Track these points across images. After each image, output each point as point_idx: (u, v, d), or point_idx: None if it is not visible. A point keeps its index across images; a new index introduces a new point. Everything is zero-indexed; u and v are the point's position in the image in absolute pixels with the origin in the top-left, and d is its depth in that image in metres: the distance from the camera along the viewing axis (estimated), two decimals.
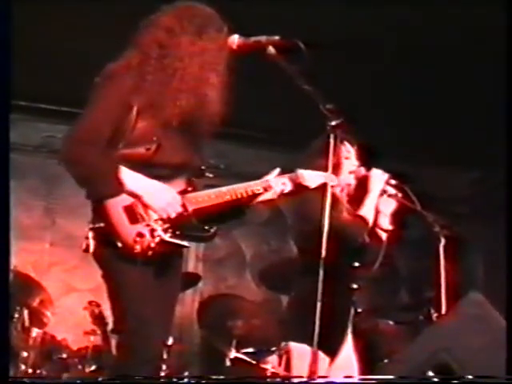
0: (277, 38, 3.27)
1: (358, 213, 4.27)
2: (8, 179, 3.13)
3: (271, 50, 3.26)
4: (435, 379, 3.08)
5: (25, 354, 5.71)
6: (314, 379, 2.99)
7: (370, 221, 4.26)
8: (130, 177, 3.35)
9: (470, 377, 2.98)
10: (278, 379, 4.39)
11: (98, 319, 5.95)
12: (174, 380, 4.13)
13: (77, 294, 7.38)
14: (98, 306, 5.91)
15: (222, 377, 4.05)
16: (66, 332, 6.49)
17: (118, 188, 3.32)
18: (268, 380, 4.46)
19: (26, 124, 7.52)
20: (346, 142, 4.34)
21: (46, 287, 6.27)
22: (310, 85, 3.13)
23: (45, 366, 5.81)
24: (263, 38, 3.30)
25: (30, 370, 5.64)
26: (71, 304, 7.14)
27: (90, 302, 6.04)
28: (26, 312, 5.89)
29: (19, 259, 6.45)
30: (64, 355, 5.94)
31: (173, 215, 3.39)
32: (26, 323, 5.88)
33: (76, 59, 6.13)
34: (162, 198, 3.38)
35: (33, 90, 6.86)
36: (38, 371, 5.70)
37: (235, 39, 3.39)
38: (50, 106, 7.36)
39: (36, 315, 6.03)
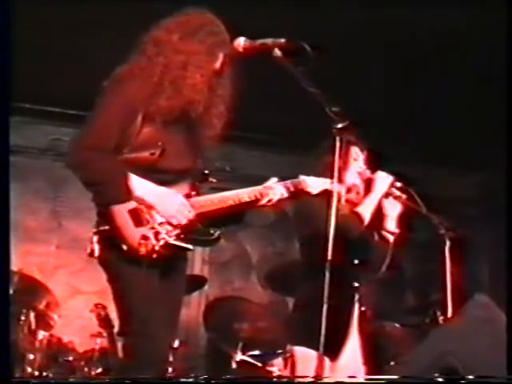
0: (283, 40, 3.27)
1: (354, 210, 4.28)
2: (8, 181, 3.12)
3: (277, 52, 3.26)
4: (435, 379, 3.08)
5: (31, 356, 5.72)
6: (320, 379, 2.99)
7: (366, 219, 4.26)
8: (139, 184, 3.36)
9: (471, 377, 2.98)
10: (283, 380, 4.39)
11: (104, 322, 5.95)
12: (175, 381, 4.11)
13: (83, 296, 7.38)
14: (104, 308, 5.91)
15: (225, 377, 4.05)
16: (73, 334, 6.49)
17: (128, 195, 3.33)
18: (273, 380, 4.46)
19: (32, 127, 7.53)
20: (354, 146, 4.35)
21: (52, 290, 6.28)
22: (316, 87, 3.13)
23: (51, 369, 5.81)
24: (269, 41, 3.30)
25: (37, 373, 5.64)
26: (77, 306, 7.14)
27: (96, 305, 6.04)
28: (32, 315, 5.89)
29: (25, 262, 6.47)
30: (70, 358, 5.95)
31: (183, 222, 3.40)
32: (33, 326, 5.88)
33: (83, 62, 6.14)
34: (171, 205, 3.40)
35: (39, 92, 6.88)
36: (45, 373, 5.71)
37: (241, 42, 3.39)
38: (56, 109, 7.37)
39: (42, 318, 6.04)
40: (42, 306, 6.08)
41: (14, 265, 5.64)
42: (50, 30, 6.00)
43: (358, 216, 4.24)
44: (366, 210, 4.28)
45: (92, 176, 3.36)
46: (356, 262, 4.23)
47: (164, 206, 3.38)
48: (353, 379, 3.60)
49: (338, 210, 3.91)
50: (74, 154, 3.42)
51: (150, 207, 3.36)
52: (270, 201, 3.62)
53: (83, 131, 3.44)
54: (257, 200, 3.60)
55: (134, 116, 3.39)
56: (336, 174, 3.16)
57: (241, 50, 3.39)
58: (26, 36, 5.22)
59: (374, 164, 4.46)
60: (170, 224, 3.39)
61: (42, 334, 5.87)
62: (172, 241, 3.40)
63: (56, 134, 7.46)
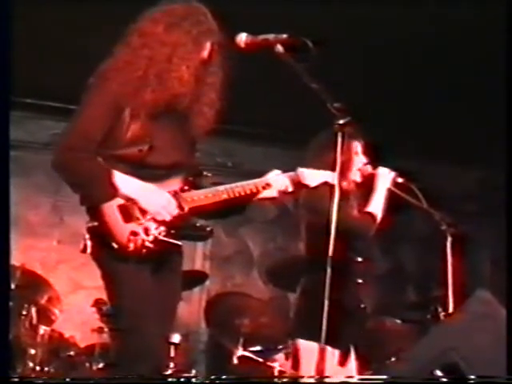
0: (285, 36, 3.26)
1: (366, 209, 4.29)
2: (8, 176, 3.12)
3: (279, 48, 3.24)
4: (434, 379, 3.08)
5: (32, 351, 5.72)
6: (323, 379, 2.99)
7: (379, 217, 4.28)
8: (123, 181, 3.33)
9: (471, 377, 2.97)
10: (285, 380, 4.40)
11: (106, 316, 5.95)
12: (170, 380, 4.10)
13: (84, 291, 7.38)
14: (106, 303, 5.90)
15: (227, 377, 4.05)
16: (74, 329, 6.50)
17: (112, 193, 3.31)
18: (275, 380, 4.47)
19: (34, 122, 7.56)
20: (355, 140, 4.35)
21: (54, 284, 6.28)
22: (318, 83, 3.13)
23: (52, 364, 5.81)
24: (271, 37, 3.29)
25: (38, 368, 5.65)
26: (79, 301, 7.14)
27: (98, 300, 6.03)
28: (33, 309, 5.89)
29: (27, 256, 6.48)
30: (72, 353, 5.95)
31: (167, 218, 3.37)
32: (34, 320, 5.89)
33: (84, 57, 6.12)
34: (156, 201, 3.37)
35: (40, 87, 6.89)
36: (46, 369, 5.71)
37: (243, 37, 3.37)
38: (57, 104, 7.36)
39: (44, 312, 6.04)
40: (43, 301, 6.08)
41: (16, 260, 5.65)
42: (51, 25, 6.00)
43: (371, 215, 4.25)
44: (377, 209, 4.30)
45: (75, 177, 3.35)
46: (360, 259, 4.24)
47: (149, 202, 3.35)
48: (355, 379, 3.60)
49: (350, 207, 3.94)
50: (57, 155, 3.40)
51: (135, 203, 3.34)
52: (268, 193, 3.59)
53: (65, 131, 3.43)
54: (252, 194, 3.57)
55: (120, 112, 3.36)
56: (338, 169, 3.16)
57: (243, 45, 3.36)
58: (27, 31, 5.23)
59: (375, 159, 4.46)
60: (156, 220, 3.37)
61: (43, 329, 5.87)
62: (161, 237, 3.37)
63: (57, 129, 7.44)
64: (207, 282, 7.12)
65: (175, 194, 3.45)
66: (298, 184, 3.64)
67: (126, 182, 3.34)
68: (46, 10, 5.73)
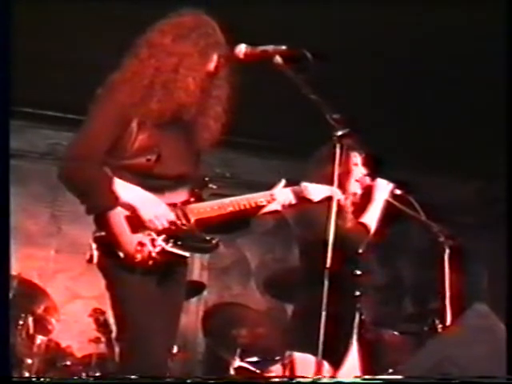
0: (284, 47, 3.27)
1: (359, 220, 4.27)
2: (8, 186, 3.12)
3: (278, 59, 3.26)
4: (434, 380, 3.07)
5: (29, 361, 5.71)
6: (319, 379, 2.98)
7: (372, 229, 4.26)
8: (123, 188, 3.34)
9: (470, 377, 2.97)
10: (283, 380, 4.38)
11: (103, 327, 5.95)
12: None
13: (81, 301, 7.38)
14: (103, 313, 5.91)
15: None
16: (71, 339, 6.50)
17: (113, 201, 3.31)
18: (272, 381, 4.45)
19: (33, 131, 7.56)
20: (354, 152, 4.34)
21: (51, 294, 6.27)
22: (317, 94, 3.13)
23: (49, 373, 5.80)
24: (270, 48, 3.30)
25: (34, 378, 5.62)
26: (76, 311, 7.13)
27: (95, 310, 6.03)
28: (30, 319, 5.88)
29: (24, 266, 6.45)
30: (68, 362, 5.94)
31: (159, 228, 3.36)
32: (31, 330, 5.87)
33: (83, 67, 6.14)
34: (150, 209, 3.36)
35: (39, 97, 6.89)
36: (42, 379, 5.69)
37: (242, 48, 3.38)
38: (56, 113, 7.38)
39: (40, 322, 6.03)
40: (40, 311, 6.07)
41: (13, 269, 5.63)
42: (50, 35, 6.01)
43: (364, 226, 4.24)
44: (371, 220, 4.28)
45: (79, 187, 3.36)
46: (358, 272, 4.23)
47: (145, 210, 3.34)
48: (352, 379, 3.58)
49: (343, 219, 3.91)
50: (64, 166, 3.41)
51: (134, 211, 3.34)
52: (273, 207, 3.60)
53: (72, 142, 3.45)
54: (257, 207, 3.57)
55: (128, 123, 3.37)
56: (336, 181, 3.16)
57: (242, 56, 3.38)
58: (26, 41, 5.23)
59: (373, 171, 4.46)
60: (165, 229, 3.37)
61: (40, 339, 5.87)
62: (169, 248, 3.38)
63: (55, 139, 7.47)
64: (205, 293, 7.11)
65: (182, 206, 3.46)
66: (302, 198, 3.64)
67: (126, 190, 3.34)
68: (46, 20, 5.74)
